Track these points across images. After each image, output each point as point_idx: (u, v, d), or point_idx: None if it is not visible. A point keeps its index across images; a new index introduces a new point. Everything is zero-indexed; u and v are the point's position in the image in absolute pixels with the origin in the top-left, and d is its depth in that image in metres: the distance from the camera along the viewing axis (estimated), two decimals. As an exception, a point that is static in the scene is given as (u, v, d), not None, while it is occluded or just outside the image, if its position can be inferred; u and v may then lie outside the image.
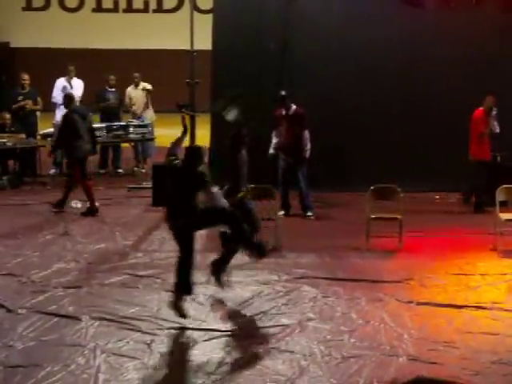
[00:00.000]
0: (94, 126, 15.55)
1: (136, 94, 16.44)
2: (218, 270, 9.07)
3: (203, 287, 9.22)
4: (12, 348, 7.58)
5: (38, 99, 15.92)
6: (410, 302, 8.92)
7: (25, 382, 6.92)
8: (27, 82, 15.88)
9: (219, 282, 9.04)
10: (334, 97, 13.84)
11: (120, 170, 16.25)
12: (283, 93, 12.63)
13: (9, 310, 8.42)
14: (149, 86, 16.55)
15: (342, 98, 13.99)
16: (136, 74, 16.46)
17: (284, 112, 12.66)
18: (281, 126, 12.69)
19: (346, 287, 9.37)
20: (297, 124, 12.57)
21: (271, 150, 12.85)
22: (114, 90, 16.47)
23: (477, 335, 8.00)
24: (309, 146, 12.57)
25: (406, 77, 14.19)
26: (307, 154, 12.60)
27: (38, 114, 16.14)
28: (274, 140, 12.81)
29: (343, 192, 13.79)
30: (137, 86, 16.46)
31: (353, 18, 14.21)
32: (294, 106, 12.66)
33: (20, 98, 15.79)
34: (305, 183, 12.63)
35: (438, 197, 14.00)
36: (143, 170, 16.06)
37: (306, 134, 12.59)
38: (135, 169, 16.30)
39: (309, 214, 12.70)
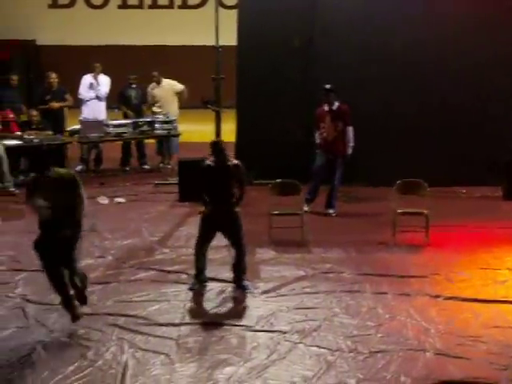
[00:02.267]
0: (120, 122, 15.67)
1: (159, 91, 16.38)
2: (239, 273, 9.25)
3: (228, 282, 9.27)
4: (40, 343, 7.65)
5: (68, 96, 15.98)
6: (437, 296, 8.89)
7: (53, 377, 6.97)
8: (55, 80, 15.94)
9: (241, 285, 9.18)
10: (360, 92, 13.79)
11: (146, 166, 16.27)
12: (327, 86, 12.42)
13: (37, 306, 8.48)
14: (180, 87, 16.48)
15: (367, 93, 13.94)
16: (155, 73, 16.39)
17: (327, 108, 12.51)
18: (322, 123, 12.51)
19: (373, 282, 9.36)
20: (340, 120, 12.43)
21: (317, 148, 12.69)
22: (135, 86, 16.48)
23: (504, 330, 7.97)
24: (352, 142, 12.46)
25: (433, 71, 14.12)
26: (350, 150, 12.50)
27: (66, 110, 16.16)
28: (317, 138, 12.65)
29: (369, 186, 13.75)
30: (158, 83, 16.38)
31: (378, 13, 14.14)
32: (336, 103, 12.48)
33: (48, 97, 15.86)
34: (339, 181, 12.54)
35: (464, 191, 13.92)
36: (169, 166, 16.10)
37: (351, 130, 12.46)
38: (161, 165, 16.34)
39: (330, 211, 12.56)
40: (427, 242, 10.89)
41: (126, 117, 16.28)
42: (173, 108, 16.43)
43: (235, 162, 9.20)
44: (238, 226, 9.14)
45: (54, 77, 15.95)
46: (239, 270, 9.22)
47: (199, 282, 9.18)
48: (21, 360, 7.32)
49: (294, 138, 13.83)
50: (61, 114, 16.01)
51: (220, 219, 9.08)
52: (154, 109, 16.40)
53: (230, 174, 9.03)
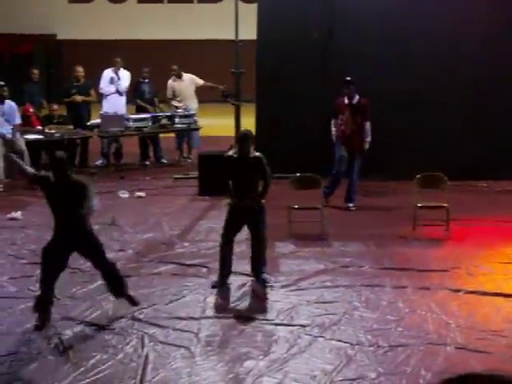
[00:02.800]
0: (140, 116, 15.71)
1: (180, 85, 16.41)
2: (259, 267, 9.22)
3: (248, 276, 9.28)
4: (62, 336, 7.69)
5: (92, 92, 16.03)
6: (458, 290, 8.87)
7: (75, 370, 7.01)
8: (81, 74, 16.01)
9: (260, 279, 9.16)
10: (379, 85, 13.74)
11: (164, 160, 16.28)
12: (348, 78, 12.35)
13: (58, 299, 8.53)
14: (201, 82, 16.50)
15: (387, 87, 13.89)
16: (174, 67, 16.43)
17: (347, 101, 12.45)
18: (342, 115, 12.46)
19: (393, 276, 9.35)
20: (359, 114, 12.37)
21: (334, 138, 12.62)
22: (147, 81, 16.50)
23: (525, 324, 7.94)
24: (369, 137, 12.40)
25: (454, 65, 14.05)
26: (367, 145, 12.44)
27: (91, 105, 16.21)
28: (334, 128, 12.63)
29: (389, 180, 13.72)
30: (179, 77, 16.40)
31: (399, 5, 14.11)
32: (357, 96, 12.42)
33: (73, 90, 15.93)
34: (358, 175, 12.50)
35: (485, 184, 13.86)
36: (189, 160, 16.14)
37: (368, 125, 12.39)
38: (181, 159, 16.37)
39: (350, 205, 12.53)
40: (448, 235, 10.86)
41: (138, 111, 16.32)
42: (192, 102, 16.46)
43: (257, 154, 9.12)
44: (262, 218, 9.12)
45: (80, 70, 16.03)
46: (259, 263, 9.21)
47: (223, 278, 9.09)
48: (42, 353, 7.37)
49: (313, 132, 13.80)
50: (84, 109, 16.05)
51: (245, 211, 9.04)
52: (174, 103, 16.42)
53: (251, 167, 8.97)
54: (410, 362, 7.13)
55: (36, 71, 16.22)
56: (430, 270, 9.57)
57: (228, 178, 9.09)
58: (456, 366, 7.03)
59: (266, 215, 9.15)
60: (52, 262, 7.99)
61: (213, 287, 9.00)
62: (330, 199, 12.48)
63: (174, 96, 16.43)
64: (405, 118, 14.12)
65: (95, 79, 16.25)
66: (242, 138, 9.11)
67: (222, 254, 9.15)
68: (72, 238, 7.98)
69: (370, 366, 7.08)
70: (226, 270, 9.16)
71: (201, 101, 17.07)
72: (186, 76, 16.47)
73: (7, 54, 25.07)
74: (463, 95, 14.14)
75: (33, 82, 16.11)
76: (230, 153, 9.17)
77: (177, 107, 16.27)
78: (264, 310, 8.40)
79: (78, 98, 15.80)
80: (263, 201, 9.12)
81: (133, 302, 8.37)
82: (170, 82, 16.42)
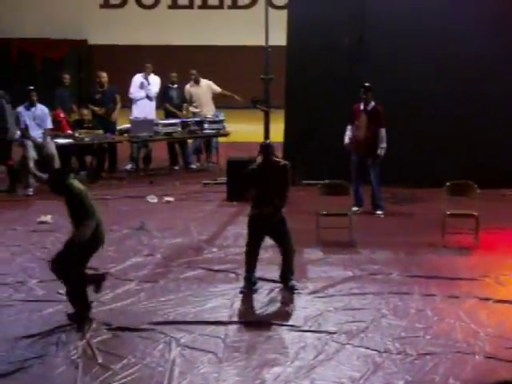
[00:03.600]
0: (170, 121, 15.76)
1: (197, 90, 16.39)
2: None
3: (276, 282, 9.28)
4: (90, 340, 7.73)
5: (117, 97, 16.08)
6: (487, 299, 8.80)
7: (102, 373, 7.04)
8: (105, 79, 16.05)
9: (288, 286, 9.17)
10: (411, 91, 13.70)
11: (193, 166, 16.30)
12: (367, 84, 12.39)
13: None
14: (218, 89, 16.52)
15: (418, 93, 13.85)
16: (193, 71, 16.39)
17: (363, 107, 12.47)
18: (357, 121, 12.48)
19: (421, 284, 9.30)
20: (374, 120, 12.37)
21: (346, 140, 12.63)
22: (176, 86, 16.53)
23: (555, 334, 7.87)
24: (384, 144, 12.33)
25: (484, 71, 13.96)
26: (382, 152, 12.35)
27: (116, 111, 16.25)
28: (349, 132, 12.62)
29: (418, 188, 13.64)
30: (197, 82, 16.38)
31: (429, 11, 14.04)
32: (372, 102, 12.44)
33: (98, 96, 16.01)
34: (376, 181, 12.46)
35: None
36: (210, 165, 16.16)
37: (383, 131, 12.34)
38: (210, 164, 16.40)
39: (378, 212, 12.52)
40: (477, 244, 10.79)
41: (168, 116, 16.36)
42: (209, 109, 16.40)
43: (283, 162, 9.18)
44: (285, 227, 9.11)
45: (103, 76, 16.07)
46: (287, 271, 9.21)
47: (249, 285, 9.13)
48: (70, 355, 7.40)
49: (342, 138, 13.77)
50: (111, 112, 16.07)
51: (267, 221, 9.02)
52: (191, 108, 16.44)
53: (276, 176, 8.97)
54: (438, 370, 7.09)
55: (67, 76, 16.32)
56: (458, 278, 9.51)
57: (249, 187, 9.09)
58: (484, 375, 6.99)
59: (288, 225, 9.12)
60: None
61: (240, 293, 9.00)
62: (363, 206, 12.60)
63: (191, 101, 16.42)
64: (435, 124, 14.04)
65: (125, 84, 16.31)
66: (264, 147, 9.15)
67: (248, 262, 9.16)
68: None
69: (398, 373, 7.04)
70: (253, 278, 9.17)
71: (230, 106, 17.10)
72: (204, 82, 16.40)
73: (39, 59, 25.26)
74: (495, 102, 14.04)
75: (64, 86, 16.22)
76: (255, 164, 9.20)
77: (193, 113, 16.30)
78: (291, 317, 8.39)
79: (99, 111, 15.81)
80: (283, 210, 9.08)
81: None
82: (187, 86, 16.38)
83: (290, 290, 9.10)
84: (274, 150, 9.18)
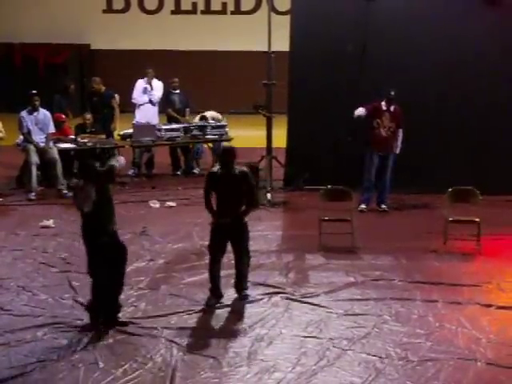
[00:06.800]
0: (172, 126, 15.75)
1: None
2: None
3: (281, 290, 9.27)
4: (91, 345, 7.74)
5: (114, 101, 16.01)
6: (489, 305, 8.81)
7: (104, 378, 7.06)
8: (98, 86, 16.02)
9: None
10: (413, 96, 13.70)
11: (195, 171, 16.29)
12: (392, 93, 12.77)
13: (87, 308, 8.57)
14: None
15: (421, 100, 13.86)
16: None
17: (385, 107, 12.86)
18: (379, 119, 12.86)
19: (423, 290, 9.30)
20: (395, 120, 12.85)
21: (358, 112, 12.90)
22: (178, 91, 16.53)
23: (557, 341, 7.86)
24: (401, 143, 12.86)
25: (488, 78, 13.95)
26: (398, 150, 12.89)
27: (116, 113, 16.23)
28: (361, 110, 12.91)
29: (420, 194, 13.64)
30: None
31: (433, 18, 14.03)
32: (393, 104, 12.95)
33: (95, 98, 16.05)
34: (390, 177, 12.88)
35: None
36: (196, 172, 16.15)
37: (401, 132, 12.87)
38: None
39: (383, 206, 12.97)
40: (479, 250, 10.79)
41: (170, 121, 16.37)
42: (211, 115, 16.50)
43: (243, 169, 8.91)
44: (246, 233, 8.88)
45: (97, 82, 16.10)
46: (242, 278, 9.00)
47: (215, 298, 8.92)
48: (71, 360, 7.42)
49: (344, 145, 13.78)
50: (108, 117, 16.04)
51: (229, 229, 8.79)
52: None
53: (238, 183, 8.73)
54: (440, 376, 7.09)
55: (73, 86, 16.29)
56: (460, 284, 9.51)
57: (209, 194, 8.85)
58: (486, 381, 6.99)
59: (248, 230, 8.91)
60: None
61: (207, 306, 8.78)
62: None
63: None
64: (438, 130, 14.05)
65: (128, 89, 16.32)
66: (224, 152, 8.98)
67: (212, 274, 8.94)
68: None
69: (399, 379, 7.05)
70: (216, 290, 8.95)
71: (233, 112, 17.09)
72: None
73: (41, 63, 25.27)
74: (496, 108, 14.04)
75: (67, 94, 16.19)
76: (214, 169, 8.99)
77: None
78: (293, 322, 8.39)
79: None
80: (246, 219, 8.87)
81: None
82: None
83: (243, 299, 8.92)
84: (234, 156, 8.85)
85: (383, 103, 12.86)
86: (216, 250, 8.92)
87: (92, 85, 16.22)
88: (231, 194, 8.74)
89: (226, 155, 8.87)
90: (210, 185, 8.85)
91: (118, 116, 16.05)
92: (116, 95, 16.09)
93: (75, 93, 16.56)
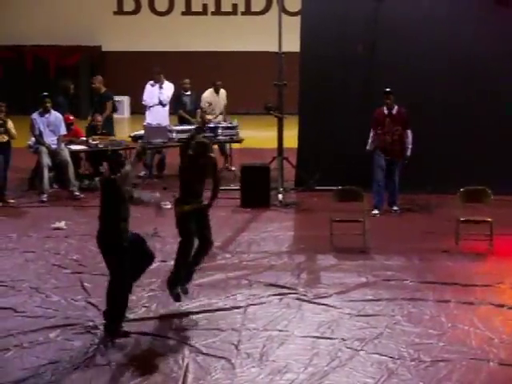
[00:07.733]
0: (184, 127, 15.75)
1: (215, 100, 16.39)
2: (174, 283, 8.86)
3: (293, 291, 9.26)
4: (102, 347, 7.75)
5: (108, 104, 15.87)
6: (501, 305, 8.78)
7: (116, 380, 7.07)
8: (98, 86, 16.03)
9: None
10: (423, 99, 13.69)
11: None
12: (387, 89, 12.67)
13: (99, 310, 8.57)
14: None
15: (431, 100, 13.84)
16: (219, 82, 16.39)
17: (386, 111, 12.72)
18: (382, 126, 12.74)
19: (436, 290, 9.27)
20: (399, 123, 12.71)
21: (368, 147, 12.86)
22: (189, 93, 16.51)
23: None
24: (411, 145, 12.73)
25: (499, 78, 13.92)
26: (409, 151, 12.76)
27: (114, 117, 16.24)
28: (372, 138, 12.84)
29: (432, 194, 13.61)
30: (217, 92, 16.40)
31: (442, 19, 14.02)
32: (396, 106, 12.75)
33: (95, 98, 16.10)
34: (398, 180, 12.79)
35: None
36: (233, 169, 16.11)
37: (410, 132, 12.74)
38: (232, 168, 16.37)
39: (395, 208, 12.91)
40: (491, 250, 10.75)
41: (181, 122, 16.36)
42: (221, 118, 16.44)
43: (213, 156, 9.01)
44: (208, 220, 8.94)
45: (98, 81, 16.13)
46: (191, 273, 8.96)
47: (181, 285, 8.80)
48: (84, 362, 7.42)
49: (356, 145, 13.76)
50: (109, 122, 16.00)
51: (198, 215, 8.87)
52: (209, 116, 16.40)
53: (206, 170, 8.89)
54: (453, 377, 7.07)
55: (73, 86, 16.28)
56: (473, 284, 9.48)
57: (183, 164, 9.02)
58: (499, 382, 6.96)
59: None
60: None
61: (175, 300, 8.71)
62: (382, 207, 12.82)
63: (211, 109, 16.39)
64: (449, 130, 14.01)
65: (139, 90, 16.33)
66: (200, 142, 8.95)
67: (184, 258, 8.81)
68: None
69: (412, 380, 7.03)
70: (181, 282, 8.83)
71: (244, 113, 17.07)
72: (222, 92, 16.44)
73: (52, 66, 25.36)
74: (505, 109, 14.01)
75: (68, 94, 16.18)
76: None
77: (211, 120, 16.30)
78: (305, 323, 8.37)
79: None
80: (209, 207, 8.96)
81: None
82: (206, 94, 16.37)
83: (185, 292, 8.82)
84: (209, 148, 8.94)
85: (384, 108, 12.76)
86: (191, 238, 8.87)
87: (93, 81, 16.25)
88: (200, 181, 9.01)
89: (202, 148, 8.88)
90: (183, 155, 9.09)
91: (103, 117, 15.84)
92: (114, 98, 16.08)
93: (76, 93, 16.51)
